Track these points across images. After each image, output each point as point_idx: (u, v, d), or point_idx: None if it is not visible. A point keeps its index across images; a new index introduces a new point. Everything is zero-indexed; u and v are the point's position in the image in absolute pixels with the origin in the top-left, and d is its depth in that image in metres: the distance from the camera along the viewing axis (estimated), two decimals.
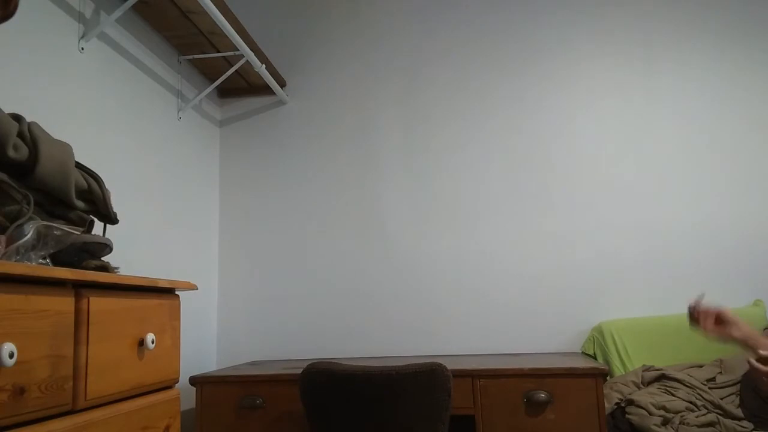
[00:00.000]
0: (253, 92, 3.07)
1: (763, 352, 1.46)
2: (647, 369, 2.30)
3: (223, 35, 2.42)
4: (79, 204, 1.30)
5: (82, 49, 2.01)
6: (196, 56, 2.68)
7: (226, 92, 3.09)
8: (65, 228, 1.17)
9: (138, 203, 2.30)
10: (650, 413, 2.01)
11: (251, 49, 2.54)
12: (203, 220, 2.90)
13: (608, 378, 2.33)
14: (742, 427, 1.99)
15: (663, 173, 2.74)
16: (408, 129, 2.97)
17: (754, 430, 1.97)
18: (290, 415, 2.10)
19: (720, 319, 1.61)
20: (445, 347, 2.75)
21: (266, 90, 2.99)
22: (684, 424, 1.97)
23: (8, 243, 1.04)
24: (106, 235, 1.37)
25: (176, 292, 1.47)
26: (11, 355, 0.85)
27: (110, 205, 1.39)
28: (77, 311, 1.05)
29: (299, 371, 1.88)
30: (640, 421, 2.01)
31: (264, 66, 2.68)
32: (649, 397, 2.08)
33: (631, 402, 2.09)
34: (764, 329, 2.40)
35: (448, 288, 2.82)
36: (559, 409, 1.99)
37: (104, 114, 2.13)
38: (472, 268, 2.81)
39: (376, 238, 2.91)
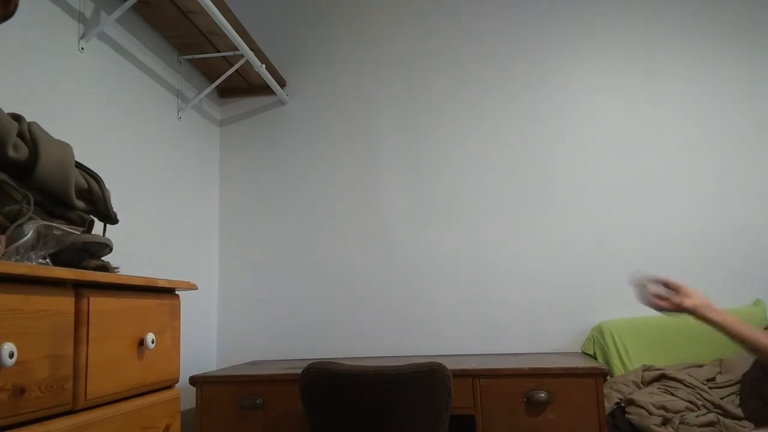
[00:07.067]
0: (253, 92, 3.07)
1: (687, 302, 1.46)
2: (647, 369, 2.30)
3: (223, 35, 2.42)
4: (79, 204, 1.30)
5: (82, 49, 2.01)
6: (196, 56, 2.68)
7: (226, 92, 3.09)
8: (65, 228, 1.17)
9: (138, 203, 2.30)
10: (650, 413, 2.01)
11: (251, 49, 2.54)
12: (203, 220, 2.90)
13: (608, 378, 2.33)
14: (742, 427, 1.99)
15: (663, 173, 2.74)
16: (408, 129, 2.96)
17: (754, 430, 1.97)
18: (290, 415, 2.10)
19: (672, 289, 1.58)
20: (445, 347, 2.75)
21: (266, 90, 2.99)
22: (684, 423, 1.97)
23: (8, 243, 1.04)
24: (106, 235, 1.37)
25: (176, 292, 1.47)
26: (11, 355, 0.85)
27: (110, 205, 1.39)
28: (77, 311, 1.05)
29: (299, 371, 1.88)
30: (640, 421, 2.01)
31: (264, 66, 2.68)
32: (649, 396, 2.08)
33: (631, 402, 2.09)
34: (764, 329, 2.40)
35: (448, 288, 2.82)
36: (559, 409, 1.99)
37: (104, 114, 2.13)
38: (472, 268, 2.81)
39: (375, 238, 2.91)
